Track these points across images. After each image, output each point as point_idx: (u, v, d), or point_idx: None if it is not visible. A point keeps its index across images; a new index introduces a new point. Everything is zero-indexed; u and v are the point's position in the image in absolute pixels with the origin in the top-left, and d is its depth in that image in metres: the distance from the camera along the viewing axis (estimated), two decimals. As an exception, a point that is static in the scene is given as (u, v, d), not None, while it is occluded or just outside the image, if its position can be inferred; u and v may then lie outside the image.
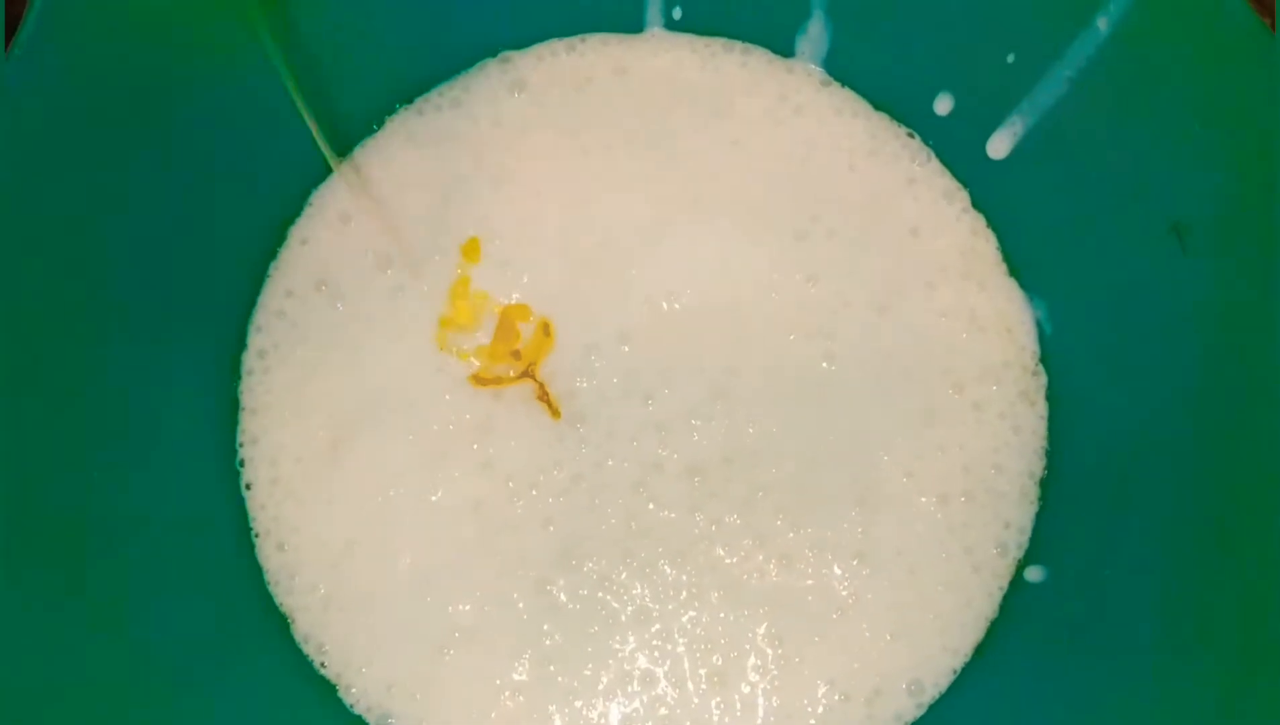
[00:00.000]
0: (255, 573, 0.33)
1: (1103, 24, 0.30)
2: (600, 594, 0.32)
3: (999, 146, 0.34)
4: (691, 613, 0.32)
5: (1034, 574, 0.32)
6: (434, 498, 0.33)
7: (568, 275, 0.35)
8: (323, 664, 0.32)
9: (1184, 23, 0.28)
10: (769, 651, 0.32)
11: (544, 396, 0.34)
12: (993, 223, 0.35)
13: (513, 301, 0.35)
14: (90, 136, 0.30)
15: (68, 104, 0.29)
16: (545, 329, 0.34)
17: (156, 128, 0.31)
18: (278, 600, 0.33)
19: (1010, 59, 0.33)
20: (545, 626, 0.32)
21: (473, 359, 0.34)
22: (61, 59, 0.28)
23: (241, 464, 0.34)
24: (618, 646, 0.32)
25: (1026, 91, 0.33)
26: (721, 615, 0.32)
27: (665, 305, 0.35)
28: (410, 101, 0.37)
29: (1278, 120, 0.27)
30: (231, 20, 0.32)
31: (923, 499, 0.33)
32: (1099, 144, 0.31)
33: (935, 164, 0.36)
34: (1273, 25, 0.32)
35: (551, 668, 0.32)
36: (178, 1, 0.31)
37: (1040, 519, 0.33)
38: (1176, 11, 0.28)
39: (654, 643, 0.32)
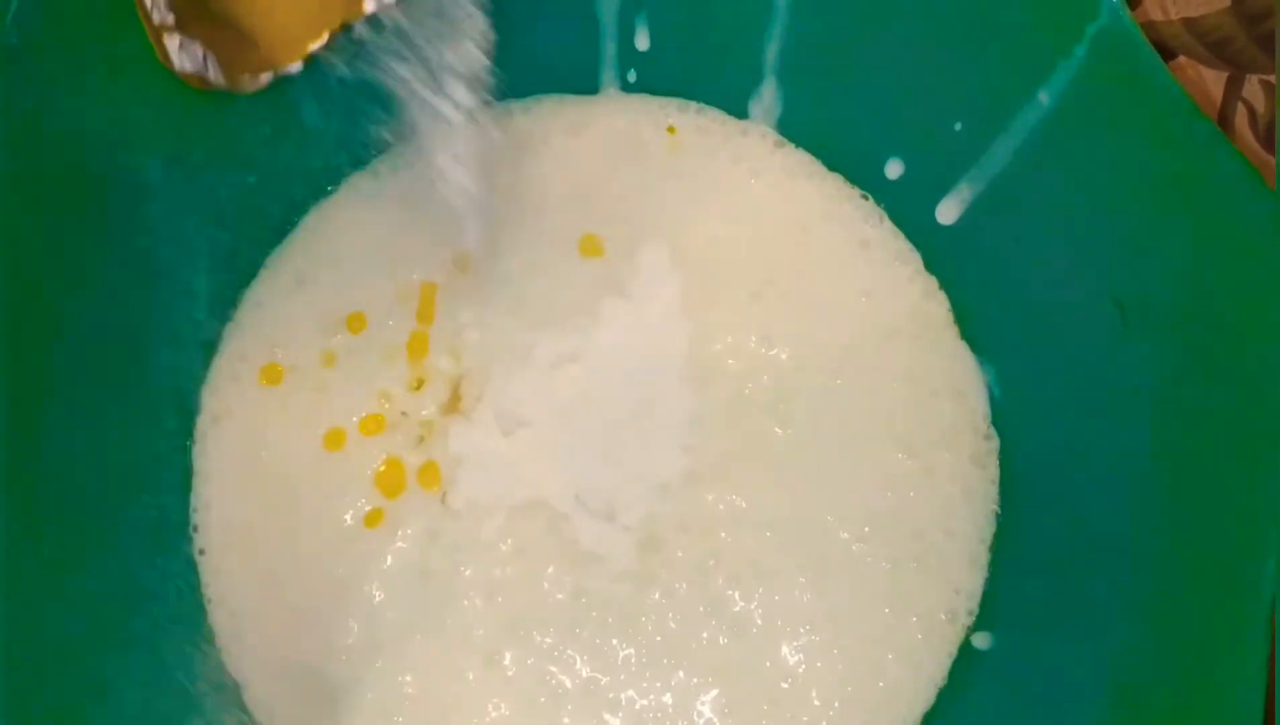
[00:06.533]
0: (207, 639, 0.33)
1: (1044, 98, 0.30)
2: (548, 665, 0.32)
3: (948, 212, 0.34)
4: (642, 683, 0.32)
5: (981, 641, 0.32)
6: (384, 565, 0.33)
7: (520, 337, 0.35)
8: (273, 732, 0.32)
9: (1119, 101, 0.28)
10: (718, 722, 0.32)
11: None
12: (944, 286, 0.36)
13: (462, 364, 0.35)
14: (37, 199, 0.29)
15: (11, 171, 0.28)
16: None
17: (106, 191, 0.31)
18: (229, 667, 0.33)
19: (958, 127, 0.33)
20: (493, 698, 0.32)
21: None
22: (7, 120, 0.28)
23: (195, 530, 0.34)
24: (566, 718, 0.32)
25: (974, 160, 0.33)
26: (672, 684, 0.32)
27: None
28: (366, 163, 0.37)
29: (1213, 197, 0.27)
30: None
31: (874, 565, 0.33)
32: (1043, 213, 0.32)
33: (888, 226, 0.36)
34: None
35: (501, 735, 0.32)
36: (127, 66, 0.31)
37: (989, 585, 0.33)
38: (1113, 90, 0.28)
39: (603, 714, 0.32)
